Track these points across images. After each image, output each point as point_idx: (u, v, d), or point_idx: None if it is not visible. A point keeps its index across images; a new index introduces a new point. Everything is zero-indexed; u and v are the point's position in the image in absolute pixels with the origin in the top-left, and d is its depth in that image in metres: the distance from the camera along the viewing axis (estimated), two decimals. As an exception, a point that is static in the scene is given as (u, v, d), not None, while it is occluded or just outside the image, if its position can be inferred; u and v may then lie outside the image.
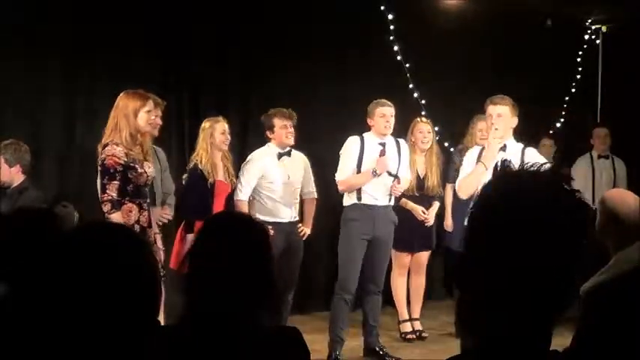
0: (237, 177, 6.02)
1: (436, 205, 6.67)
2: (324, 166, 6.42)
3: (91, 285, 1.49)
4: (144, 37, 6.55)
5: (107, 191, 4.81)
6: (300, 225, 6.19)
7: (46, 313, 1.49)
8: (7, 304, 2.20)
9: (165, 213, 5.71)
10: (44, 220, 2.64)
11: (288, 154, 6.07)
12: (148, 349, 1.56)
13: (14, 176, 5.38)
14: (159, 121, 5.49)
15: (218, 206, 5.83)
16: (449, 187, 6.67)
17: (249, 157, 6.12)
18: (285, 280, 5.74)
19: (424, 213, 6.49)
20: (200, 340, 2.04)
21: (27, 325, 1.70)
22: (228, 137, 5.96)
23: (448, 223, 6.77)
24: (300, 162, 6.17)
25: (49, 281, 1.50)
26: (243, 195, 5.97)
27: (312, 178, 6.28)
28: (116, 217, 4.78)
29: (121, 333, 1.49)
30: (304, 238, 6.21)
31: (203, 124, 5.97)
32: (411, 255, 6.68)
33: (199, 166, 5.82)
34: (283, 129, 5.98)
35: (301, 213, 6.27)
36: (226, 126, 5.95)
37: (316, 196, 6.31)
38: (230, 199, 5.95)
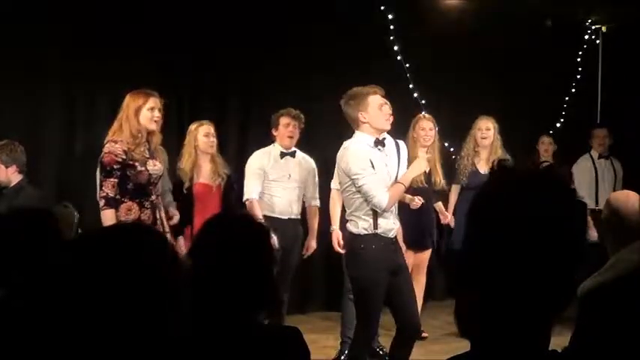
0: (232, 178, 6.01)
1: (439, 204, 6.69)
2: (324, 169, 6.41)
3: (99, 285, 1.49)
4: (143, 39, 6.54)
5: (103, 188, 4.81)
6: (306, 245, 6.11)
7: (55, 314, 1.49)
8: (17, 307, 2.19)
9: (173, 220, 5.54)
10: (43, 221, 2.64)
11: (292, 154, 6.06)
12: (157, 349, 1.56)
13: (11, 176, 5.43)
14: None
15: (201, 210, 5.64)
16: (454, 187, 6.80)
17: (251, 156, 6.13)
18: (281, 278, 5.72)
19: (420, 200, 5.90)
20: (200, 341, 2.04)
21: (39, 327, 1.69)
22: (213, 140, 5.90)
23: (451, 222, 6.79)
24: (304, 164, 6.13)
25: (60, 284, 1.50)
26: (249, 194, 5.96)
27: (317, 186, 6.19)
28: (109, 214, 4.76)
29: (133, 333, 1.49)
30: (310, 253, 6.14)
31: (189, 127, 5.97)
32: (412, 254, 6.66)
33: (177, 171, 5.83)
34: (285, 128, 5.98)
35: (304, 219, 6.19)
36: (211, 129, 5.91)
37: (319, 205, 6.18)
38: (224, 200, 5.90)
